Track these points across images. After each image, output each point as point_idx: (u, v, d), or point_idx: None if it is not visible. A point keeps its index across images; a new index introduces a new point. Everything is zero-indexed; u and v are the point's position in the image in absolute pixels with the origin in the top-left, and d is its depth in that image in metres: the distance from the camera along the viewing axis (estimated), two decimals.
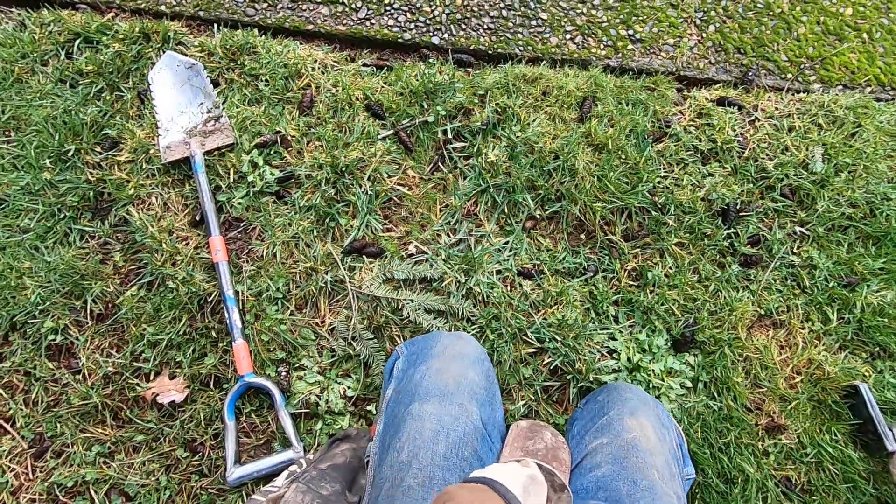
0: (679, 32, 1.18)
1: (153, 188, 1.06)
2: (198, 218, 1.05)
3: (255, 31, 1.18)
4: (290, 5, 1.22)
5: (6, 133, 1.11)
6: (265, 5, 1.22)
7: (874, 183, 1.02)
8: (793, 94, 1.13)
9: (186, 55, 1.15)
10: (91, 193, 1.06)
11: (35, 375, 0.98)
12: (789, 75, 1.15)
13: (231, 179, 1.06)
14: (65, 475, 0.92)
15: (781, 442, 0.93)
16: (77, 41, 1.16)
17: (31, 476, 0.94)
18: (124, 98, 1.12)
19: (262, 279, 1.01)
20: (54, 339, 0.99)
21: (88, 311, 1.01)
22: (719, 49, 1.17)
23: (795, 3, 1.19)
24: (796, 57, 1.16)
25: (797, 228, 1.02)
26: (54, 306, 1.00)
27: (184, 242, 1.04)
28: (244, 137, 1.08)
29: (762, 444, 0.93)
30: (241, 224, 1.06)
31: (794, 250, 1.01)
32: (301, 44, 1.20)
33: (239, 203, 1.05)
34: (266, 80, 1.13)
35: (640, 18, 1.19)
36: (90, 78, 1.13)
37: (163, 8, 1.22)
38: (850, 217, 1.02)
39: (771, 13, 1.19)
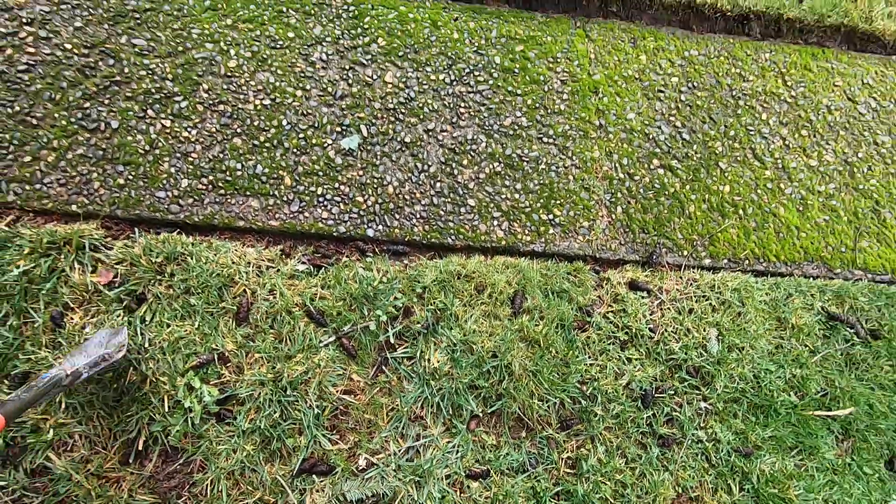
0: (592, 215, 1.31)
1: (75, 426, 0.99)
2: (129, 455, 1.00)
3: (183, 235, 1.14)
4: (217, 199, 1.20)
5: None
6: (190, 201, 1.19)
7: (758, 358, 1.20)
8: (690, 271, 1.30)
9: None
10: (1, 440, 0.97)
11: None
12: (685, 252, 1.32)
13: (165, 408, 1.02)
14: None
15: None
16: None
17: None
18: (35, 323, 1.04)
19: None
20: None
21: None
22: (627, 229, 1.32)
23: (685, 182, 1.38)
24: (689, 234, 1.34)
25: (702, 405, 1.17)
26: None
27: (114, 484, 0.98)
28: (177, 358, 1.04)
29: None
30: (180, 456, 1.02)
31: (701, 425, 1.16)
32: (232, 242, 1.18)
33: (176, 432, 1.01)
34: (198, 292, 1.10)
35: (558, 202, 1.31)
36: None
37: (73, 208, 1.15)
38: (742, 390, 1.19)
39: (666, 192, 1.36)
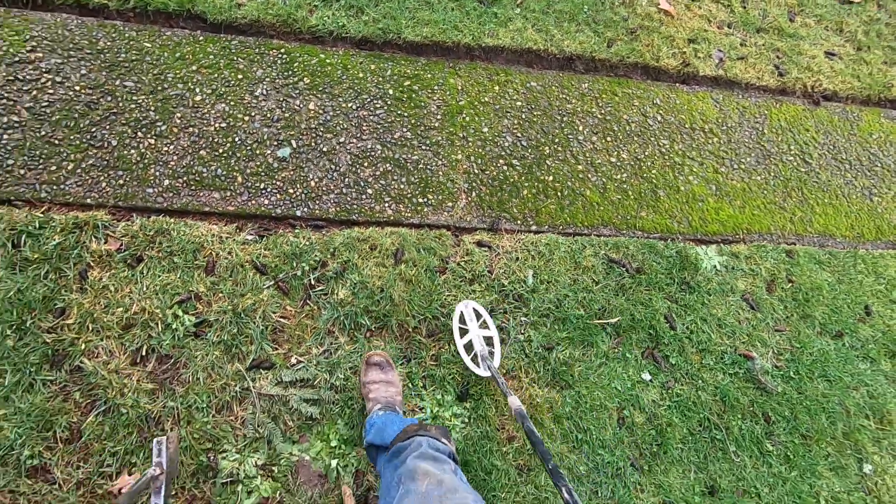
0: (454, 198, 1.91)
1: (98, 342, 1.51)
2: (137, 360, 1.52)
3: (167, 217, 1.68)
4: (189, 193, 1.74)
5: None
6: (171, 194, 1.72)
7: (560, 288, 1.82)
8: (521, 235, 1.91)
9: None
10: (48, 351, 1.48)
11: (18, 492, 1.37)
12: (518, 221, 1.94)
13: (160, 328, 1.55)
14: None
15: None
16: (22, 236, 1.56)
17: None
18: (67, 276, 1.55)
19: (189, 396, 1.51)
20: (32, 463, 1.39)
21: (58, 438, 1.42)
22: (479, 207, 1.93)
23: (521, 175, 2.00)
24: (522, 210, 1.96)
25: (522, 318, 1.78)
26: (29, 439, 1.40)
27: (128, 377, 1.50)
28: (166, 297, 1.58)
29: None
30: (170, 359, 1.55)
31: (521, 332, 1.77)
32: (201, 222, 1.72)
33: (166, 344, 1.54)
34: (179, 254, 1.63)
35: (431, 190, 1.90)
36: (36, 263, 1.54)
37: (88, 201, 1.66)
38: (549, 309, 1.80)
39: (507, 182, 1.98)
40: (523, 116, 2.10)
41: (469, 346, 1.65)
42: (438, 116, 2.02)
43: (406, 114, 1.99)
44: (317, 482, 1.51)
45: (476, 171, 1.97)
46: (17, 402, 1.42)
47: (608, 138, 2.15)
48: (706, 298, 1.96)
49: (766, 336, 1.97)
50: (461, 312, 1.67)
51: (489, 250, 1.85)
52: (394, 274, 1.73)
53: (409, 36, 2.09)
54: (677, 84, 2.34)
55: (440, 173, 1.94)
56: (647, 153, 2.17)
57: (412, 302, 1.70)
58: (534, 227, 1.95)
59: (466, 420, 1.64)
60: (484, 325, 1.69)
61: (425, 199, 1.89)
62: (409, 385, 1.64)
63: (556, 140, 2.09)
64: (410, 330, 1.70)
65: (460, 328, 1.67)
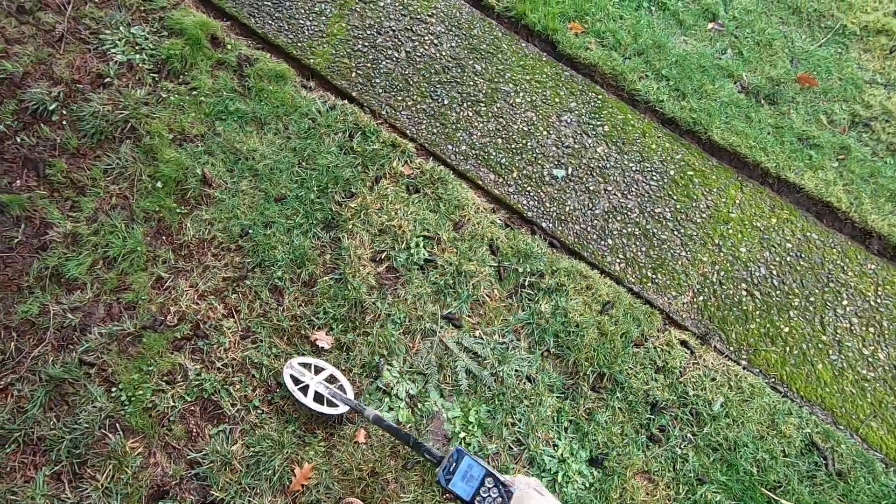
0: (681, 291, 1.91)
1: (360, 231, 1.86)
2: (375, 258, 1.83)
3: (451, 173, 2.00)
4: (474, 164, 2.04)
5: (301, 163, 1.96)
6: (462, 158, 2.05)
7: (743, 434, 1.68)
8: (728, 361, 1.82)
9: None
10: (329, 216, 1.87)
11: (257, 293, 1.75)
12: (731, 347, 1.84)
13: (401, 246, 1.84)
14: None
15: None
16: (357, 133, 2.02)
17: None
18: (368, 174, 1.95)
19: (394, 307, 1.76)
20: (276, 283, 1.77)
21: (300, 277, 1.79)
22: (699, 312, 1.89)
23: (757, 308, 1.90)
24: (740, 339, 1.86)
25: (688, 434, 1.68)
26: (283, 264, 1.78)
27: (362, 266, 1.81)
28: (418, 227, 1.87)
29: None
30: (396, 273, 1.83)
31: (681, 445, 1.67)
32: (471, 189, 2.01)
33: (400, 261, 1.83)
34: (444, 203, 1.93)
35: (664, 271, 1.93)
36: (356, 155, 1.97)
37: (407, 132, 2.07)
38: (720, 444, 1.67)
39: (739, 307, 1.90)
40: (788, 259, 2.00)
41: (318, 397, 1.57)
42: (704, 215, 2.04)
43: (675, 197, 2.06)
44: (441, 438, 1.63)
45: (713, 280, 1.94)
46: (293, 238, 1.83)
47: (871, 329, 1.93)
48: None
49: None
50: (290, 375, 1.60)
51: (690, 354, 1.80)
52: (594, 319, 1.79)
53: (714, 136, 2.16)
54: None
55: (679, 262, 1.96)
56: None
57: (597, 352, 1.74)
58: (744, 362, 1.83)
59: (587, 485, 1.60)
60: (318, 370, 1.63)
61: (654, 276, 1.93)
62: (554, 419, 1.67)
63: (812, 299, 1.95)
64: (581, 374, 1.73)
65: (299, 389, 1.58)
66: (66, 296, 1.72)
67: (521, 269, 1.85)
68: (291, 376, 1.60)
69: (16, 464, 1.51)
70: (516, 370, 1.72)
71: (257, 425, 1.60)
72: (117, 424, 1.57)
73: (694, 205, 2.05)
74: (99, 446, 1.54)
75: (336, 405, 1.56)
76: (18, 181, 1.89)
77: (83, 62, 2.10)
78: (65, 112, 1.99)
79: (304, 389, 1.58)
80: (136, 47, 2.12)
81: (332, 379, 1.64)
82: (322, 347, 1.69)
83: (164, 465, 1.55)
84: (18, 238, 1.79)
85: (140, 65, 2.08)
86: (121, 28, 2.13)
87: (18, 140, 1.94)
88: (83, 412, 1.57)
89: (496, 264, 1.86)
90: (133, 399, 1.59)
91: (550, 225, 1.98)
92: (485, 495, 0.94)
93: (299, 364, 1.63)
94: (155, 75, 2.08)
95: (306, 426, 1.62)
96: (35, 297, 1.71)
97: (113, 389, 1.61)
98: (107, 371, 1.63)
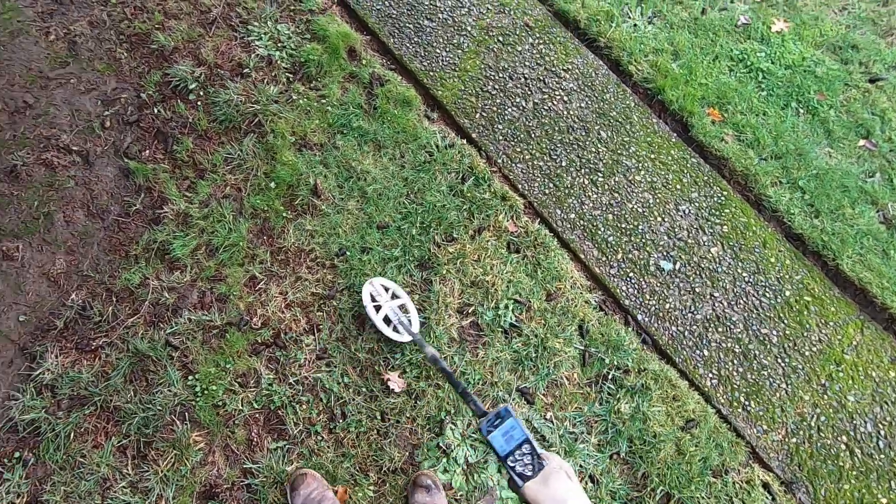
0: (773, 427, 1.76)
1: (452, 277, 1.83)
2: (462, 311, 1.80)
3: (554, 239, 1.94)
4: (580, 235, 1.97)
5: (409, 195, 1.95)
6: (569, 225, 1.98)
7: None
8: None
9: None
10: (426, 256, 1.85)
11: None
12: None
13: (490, 305, 1.79)
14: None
15: None
16: (470, 177, 1.99)
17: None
18: (472, 223, 1.92)
19: (470, 365, 1.71)
20: (360, 312, 1.76)
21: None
22: (788, 455, 1.73)
23: (855, 468, 1.72)
24: (830, 499, 1.69)
25: None
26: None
27: (448, 316, 1.78)
28: (511, 289, 1.82)
29: None
30: (479, 330, 1.78)
31: None
32: (571, 260, 1.93)
33: (485, 319, 1.78)
34: (542, 269, 1.87)
35: (757, 401, 1.78)
36: (464, 199, 1.95)
37: (519, 186, 2.03)
38: None
39: (834, 460, 1.73)
40: None
41: (387, 320, 1.69)
42: (814, 349, 1.88)
43: (785, 320, 1.90)
44: None
45: (811, 423, 1.78)
46: (387, 270, 1.82)
47: None
48: None
49: None
50: (369, 292, 1.70)
51: (771, 501, 1.65)
52: (675, 434, 1.68)
53: (843, 265, 1.99)
54: None
55: (777, 395, 1.81)
56: None
57: (671, 471, 1.63)
58: None
59: None
60: (395, 296, 1.75)
61: (746, 403, 1.79)
62: None
63: None
64: (649, 488, 1.62)
65: (374, 306, 1.69)
66: (167, 273, 1.78)
67: (607, 360, 1.76)
68: (371, 294, 1.70)
69: (90, 427, 1.57)
70: (581, 465, 1.63)
71: (315, 452, 1.59)
72: (186, 414, 1.60)
73: (805, 334, 1.89)
74: (166, 431, 1.58)
75: (400, 333, 1.66)
76: (147, 151, 1.98)
77: (228, 48, 2.19)
78: (202, 94, 2.07)
79: (377, 309, 1.69)
80: (279, 44, 2.18)
81: (404, 309, 1.74)
82: (392, 389, 1.66)
83: (221, 466, 1.56)
84: (136, 206, 1.88)
85: (278, 62, 2.14)
86: (268, 23, 2.21)
87: (155, 111, 2.04)
88: (159, 393, 1.61)
89: (582, 347, 1.78)
90: (206, 392, 1.62)
91: (646, 318, 1.87)
92: (519, 458, 0.96)
93: (381, 284, 1.74)
94: (290, 75, 2.13)
95: (361, 466, 1.59)
96: (139, 268, 1.78)
97: (190, 378, 1.65)
98: (188, 358, 1.67)
